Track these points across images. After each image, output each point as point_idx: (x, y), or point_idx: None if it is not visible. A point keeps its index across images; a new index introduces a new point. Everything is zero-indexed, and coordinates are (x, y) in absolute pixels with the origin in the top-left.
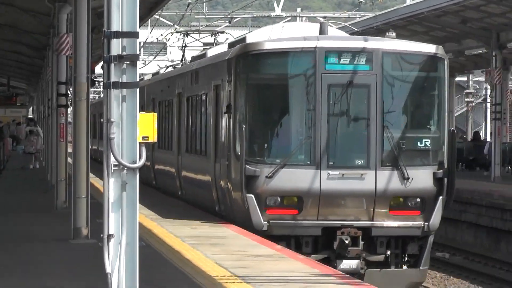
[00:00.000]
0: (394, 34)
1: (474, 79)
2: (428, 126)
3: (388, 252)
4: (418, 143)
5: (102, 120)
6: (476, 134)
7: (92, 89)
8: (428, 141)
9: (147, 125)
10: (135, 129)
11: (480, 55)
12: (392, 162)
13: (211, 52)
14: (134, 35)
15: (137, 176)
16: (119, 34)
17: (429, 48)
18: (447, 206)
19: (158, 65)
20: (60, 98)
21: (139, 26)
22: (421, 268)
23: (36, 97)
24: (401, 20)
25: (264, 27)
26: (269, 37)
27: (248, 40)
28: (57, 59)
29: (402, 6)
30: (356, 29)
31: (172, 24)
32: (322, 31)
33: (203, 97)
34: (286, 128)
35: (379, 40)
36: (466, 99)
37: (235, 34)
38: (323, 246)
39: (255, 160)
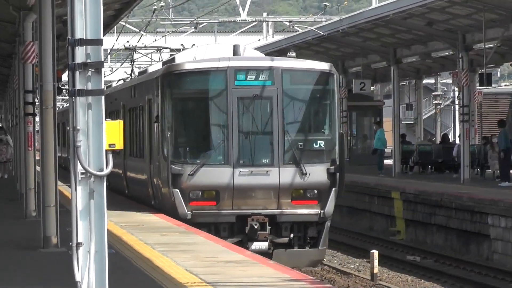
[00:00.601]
0: (294, 54)
1: (441, 81)
2: (322, 130)
3: (292, 235)
4: (314, 144)
5: (68, 128)
6: (445, 137)
7: (60, 97)
8: (322, 143)
9: (114, 133)
10: (102, 136)
11: (447, 57)
12: (292, 161)
13: (151, 69)
14: (98, 42)
15: (104, 183)
16: (83, 42)
17: (322, 66)
18: (339, 196)
19: (125, 71)
20: (27, 106)
21: (105, 33)
22: (320, 248)
23: (3, 105)
24: (367, 23)
25: (191, 48)
26: (194, 57)
27: (177, 60)
28: (23, 67)
29: (368, 9)
30: (322, 33)
31: (138, 30)
32: (235, 52)
33: (140, 109)
34: (204, 134)
35: (280, 60)
36: (434, 102)
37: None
38: (237, 231)
39: (179, 161)
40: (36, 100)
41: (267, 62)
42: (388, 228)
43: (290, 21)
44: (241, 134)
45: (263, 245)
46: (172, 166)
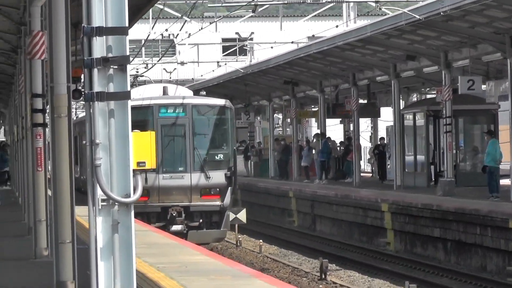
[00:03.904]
0: (204, 93)
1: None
2: (222, 147)
3: (201, 220)
4: (215, 156)
5: (85, 142)
6: None
7: (81, 102)
8: (221, 155)
9: (144, 147)
10: (128, 152)
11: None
12: (200, 168)
13: None
14: (122, 31)
15: (132, 213)
16: (102, 31)
17: (220, 102)
18: (233, 193)
19: (164, 68)
20: (36, 115)
21: (135, 20)
22: (221, 229)
23: (8, 114)
24: (475, 3)
25: (138, 87)
26: (140, 94)
27: None
28: (30, 64)
29: None
30: (418, 17)
31: (181, 15)
32: (164, 92)
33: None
34: None
35: (191, 98)
36: None
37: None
38: (162, 218)
39: None
40: (47, 107)
41: (181, 100)
42: (505, 268)
43: (376, 2)
44: (165, 150)
45: (179, 227)
46: None
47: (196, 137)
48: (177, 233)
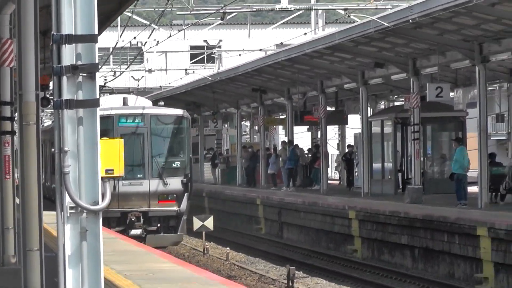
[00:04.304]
0: (162, 103)
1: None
2: (179, 154)
3: (159, 225)
4: (173, 164)
5: (53, 149)
6: None
7: (49, 110)
8: (178, 163)
9: (112, 155)
10: (96, 160)
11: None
12: (158, 175)
13: None
14: (92, 38)
15: (100, 220)
16: (72, 38)
17: (178, 112)
18: (189, 198)
19: (132, 76)
20: (4, 122)
21: (104, 27)
22: (178, 233)
23: None
24: (444, 11)
25: (102, 97)
26: (101, 104)
27: None
28: None
29: None
30: (386, 24)
31: (149, 23)
32: (124, 103)
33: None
34: None
35: (150, 108)
36: None
37: (230, 35)
38: (121, 223)
39: None
40: (15, 115)
41: (140, 110)
42: (472, 275)
43: (345, 9)
44: (124, 158)
45: (138, 231)
46: None
47: (154, 146)
48: (136, 237)
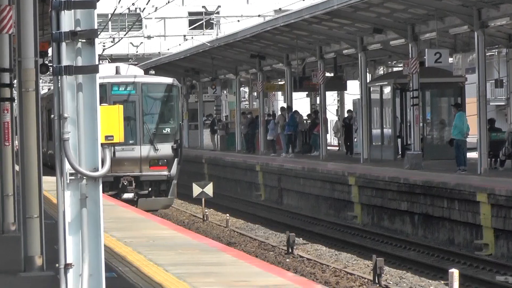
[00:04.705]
0: (153, 72)
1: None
2: (169, 121)
3: (150, 189)
4: (163, 130)
5: (53, 116)
6: None
7: (48, 77)
8: (168, 129)
9: (112, 121)
10: (96, 126)
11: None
12: (149, 141)
13: None
14: (90, 4)
15: (100, 187)
16: (71, 4)
17: (168, 80)
18: (179, 163)
19: (131, 43)
20: (3, 89)
21: None
22: (169, 197)
23: None
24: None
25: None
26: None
27: None
28: None
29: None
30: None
31: None
32: (116, 72)
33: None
34: None
35: (141, 77)
36: None
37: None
38: (114, 187)
39: None
40: (14, 81)
41: (132, 79)
42: (472, 241)
43: None
44: None
45: (131, 195)
46: None
47: (145, 113)
48: (128, 201)
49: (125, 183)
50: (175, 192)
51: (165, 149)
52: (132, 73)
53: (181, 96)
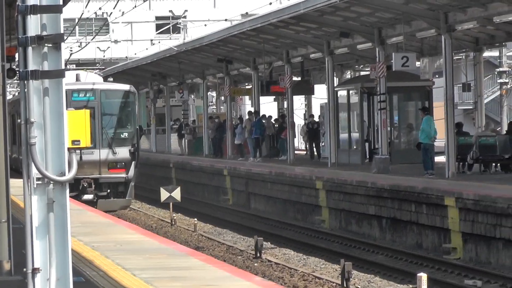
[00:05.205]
0: (112, 79)
1: (508, 53)
2: (126, 126)
3: (109, 190)
4: (121, 134)
5: (19, 120)
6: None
7: (15, 81)
8: (126, 134)
9: (78, 126)
10: (63, 131)
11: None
12: (108, 145)
13: None
14: (57, 9)
15: (67, 191)
16: (37, 9)
17: (125, 87)
18: (136, 166)
19: (98, 47)
20: None
21: None
22: (126, 198)
23: None
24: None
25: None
26: None
27: None
28: None
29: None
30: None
31: None
32: (77, 79)
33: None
34: None
35: (100, 84)
36: (499, 80)
37: (195, 4)
38: (74, 189)
39: None
40: None
41: (91, 86)
42: (440, 245)
43: None
44: None
45: (90, 196)
46: None
47: (104, 118)
48: (88, 202)
49: (85, 185)
50: (132, 193)
51: (123, 152)
52: (91, 80)
53: (138, 102)
